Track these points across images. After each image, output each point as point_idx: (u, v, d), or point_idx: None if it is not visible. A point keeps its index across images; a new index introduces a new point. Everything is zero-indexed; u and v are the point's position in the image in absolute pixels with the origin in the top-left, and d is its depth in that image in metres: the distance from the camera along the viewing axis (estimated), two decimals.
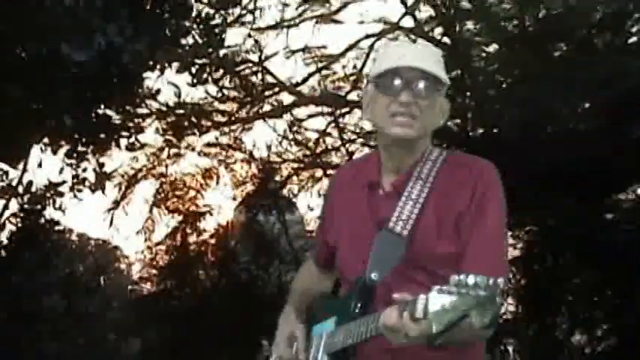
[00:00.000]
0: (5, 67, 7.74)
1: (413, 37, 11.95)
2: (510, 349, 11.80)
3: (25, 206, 11.82)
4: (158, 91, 10.64)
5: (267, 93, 13.95)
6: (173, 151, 14.24)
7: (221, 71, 12.82)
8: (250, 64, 13.35)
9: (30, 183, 11.59)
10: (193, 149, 14.48)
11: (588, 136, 9.50)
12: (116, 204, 14.16)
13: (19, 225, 11.91)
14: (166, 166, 14.67)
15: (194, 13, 9.18)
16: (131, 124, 10.35)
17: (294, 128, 14.47)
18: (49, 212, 11.86)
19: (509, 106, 9.71)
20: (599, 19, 9.88)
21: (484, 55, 10.75)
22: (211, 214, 15.32)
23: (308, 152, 14.66)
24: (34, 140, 9.91)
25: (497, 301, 2.42)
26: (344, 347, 3.23)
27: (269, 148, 14.57)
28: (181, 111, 13.10)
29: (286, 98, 14.13)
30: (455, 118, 10.25)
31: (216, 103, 13.71)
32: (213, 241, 15.32)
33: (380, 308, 2.97)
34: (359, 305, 3.23)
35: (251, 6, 11.18)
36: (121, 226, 15.00)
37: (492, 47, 11.11)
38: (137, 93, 9.24)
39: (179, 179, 15.01)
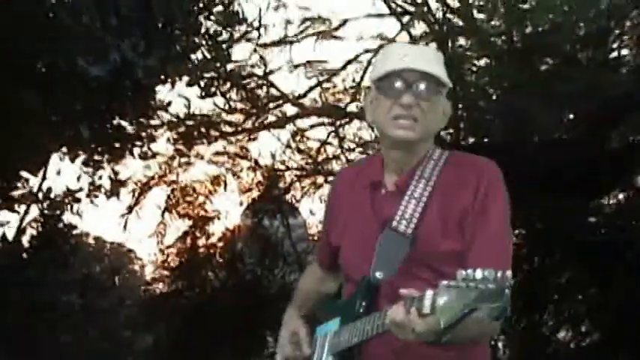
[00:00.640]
0: (26, 80, 7.77)
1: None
2: (500, 344, 11.79)
3: (45, 211, 11.82)
4: (169, 103, 10.66)
5: (271, 105, 13.96)
6: (183, 159, 14.26)
7: (228, 84, 12.81)
8: (255, 78, 13.35)
9: (49, 190, 11.61)
10: (202, 158, 14.51)
11: (572, 144, 9.53)
12: (130, 209, 14.17)
13: (39, 229, 11.91)
14: (177, 173, 14.68)
15: (203, 31, 9.19)
16: (144, 134, 10.36)
17: (297, 138, 14.48)
18: (67, 217, 11.86)
19: (499, 116, 9.73)
20: (582, 35, 9.89)
21: (475, 68, 10.75)
22: (219, 219, 15.34)
23: (310, 160, 14.66)
24: (53, 149, 9.93)
25: (507, 294, 2.34)
26: (349, 346, 3.11)
27: (273, 156, 14.59)
28: (191, 122, 13.12)
29: (289, 110, 14.14)
30: (448, 128, 10.26)
31: (223, 115, 13.72)
32: (221, 244, 15.32)
33: (385, 307, 2.89)
34: (363, 304, 3.12)
35: (256, 23, 11.14)
36: (135, 230, 15.02)
37: (483, 61, 11.12)
38: (149, 105, 9.25)
39: (189, 186, 15.01)
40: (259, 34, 11.89)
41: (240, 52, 12.47)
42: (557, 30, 9.68)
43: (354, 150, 13.90)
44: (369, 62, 13.04)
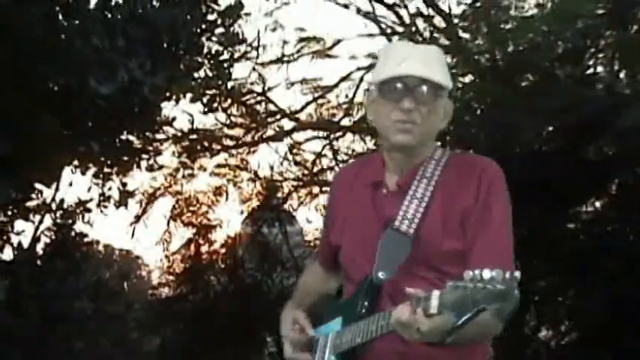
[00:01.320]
0: (40, 98, 7.78)
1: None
2: None
3: (58, 221, 11.82)
4: (174, 119, 10.66)
5: (269, 120, 14.00)
6: (187, 171, 14.27)
7: (229, 101, 12.86)
8: (255, 95, 13.40)
9: (62, 200, 11.60)
10: (205, 170, 14.54)
11: (551, 156, 9.55)
12: (137, 218, 14.17)
13: (52, 237, 11.91)
14: (181, 184, 14.69)
15: (205, 51, 9.20)
16: (150, 148, 10.39)
17: (294, 150, 14.50)
18: (79, 226, 11.85)
19: (483, 129, 9.74)
20: (560, 53, 9.91)
21: (460, 85, 10.74)
22: (221, 227, 15.35)
23: (306, 172, 14.68)
24: (66, 163, 9.92)
25: (515, 294, 2.22)
26: (352, 347, 2.97)
27: (272, 168, 14.61)
28: (194, 136, 13.14)
29: (286, 124, 14.19)
30: (435, 141, 10.25)
31: (225, 129, 13.76)
32: (222, 250, 15.33)
33: (387, 307, 2.79)
34: (366, 304, 2.98)
35: (255, 44, 11.20)
36: (142, 237, 15.04)
37: (467, 78, 11.12)
38: (155, 120, 9.25)
39: (193, 196, 15.02)
40: (258, 54, 11.97)
41: (241, 70, 12.53)
42: (536, 49, 9.69)
43: (347, 162, 13.90)
44: (361, 79, 13.09)
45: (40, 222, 11.84)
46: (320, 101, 13.98)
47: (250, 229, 15.14)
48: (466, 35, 11.13)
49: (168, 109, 9.95)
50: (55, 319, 11.61)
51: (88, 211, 11.48)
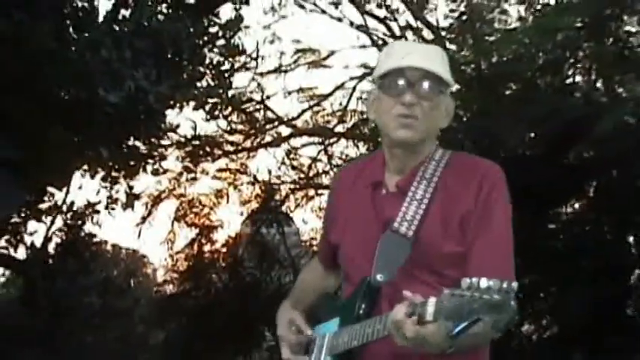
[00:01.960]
0: (51, 107, 7.79)
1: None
2: None
3: (68, 222, 11.87)
4: (178, 126, 10.68)
5: (268, 126, 14.01)
6: (190, 175, 14.26)
7: (230, 109, 12.85)
8: (254, 103, 13.40)
9: (72, 203, 11.68)
10: (207, 173, 14.53)
11: (533, 160, 9.56)
12: (143, 219, 14.17)
13: (63, 238, 11.94)
14: (185, 187, 14.69)
15: (207, 61, 9.21)
16: (155, 153, 10.39)
17: (291, 155, 14.49)
18: (88, 227, 11.92)
19: (469, 135, 9.74)
20: (541, 64, 9.93)
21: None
22: (222, 228, 15.33)
23: (302, 175, 14.68)
24: (76, 167, 9.94)
25: (512, 306, 2.05)
26: (348, 349, 2.78)
27: (270, 172, 14.61)
28: (197, 142, 13.13)
29: (284, 130, 14.20)
30: None
31: (225, 135, 13.75)
32: (224, 250, 15.31)
33: (385, 309, 2.63)
34: (363, 306, 2.78)
35: (254, 55, 11.19)
36: (148, 237, 15.05)
37: (454, 87, 11.14)
38: (160, 127, 9.24)
39: (195, 199, 15.01)
40: (257, 64, 11.95)
41: (241, 80, 12.56)
42: (519, 60, 9.70)
43: (341, 166, 13.92)
44: (354, 88, 13.12)
45: (52, 223, 11.89)
46: (315, 109, 14.00)
47: (250, 230, 15.13)
48: (453, 47, 11.14)
49: (172, 116, 9.99)
50: (66, 314, 11.63)
51: (97, 212, 11.52)
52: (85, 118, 7.85)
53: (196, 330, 13.93)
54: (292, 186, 14.86)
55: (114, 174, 10.18)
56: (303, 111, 13.88)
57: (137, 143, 9.38)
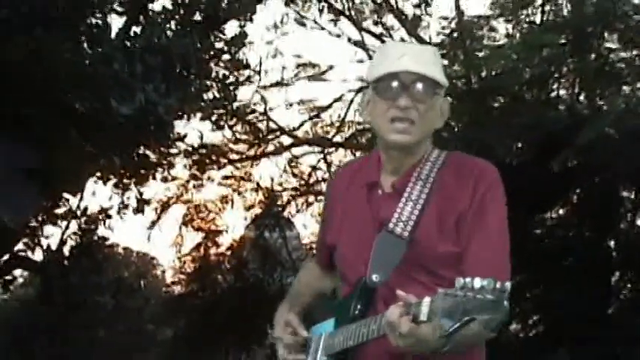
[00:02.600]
0: (67, 118, 7.81)
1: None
2: None
3: (82, 226, 11.87)
4: (185, 135, 10.70)
5: (270, 136, 14.00)
6: (197, 182, 14.26)
7: (234, 119, 12.85)
8: (257, 114, 13.40)
9: (86, 208, 11.68)
10: (213, 180, 14.52)
11: (520, 168, 9.56)
12: (153, 224, 14.15)
13: (78, 240, 11.94)
14: (192, 194, 14.69)
15: (213, 75, 9.23)
16: (164, 162, 10.41)
17: (292, 164, 14.50)
18: (101, 230, 11.92)
19: (460, 145, 9.75)
20: (527, 78, 9.94)
21: None
22: (227, 232, 15.33)
23: (303, 182, 14.68)
24: (90, 174, 9.96)
25: (505, 306, 1.97)
26: (344, 349, 2.66)
27: (272, 179, 14.61)
28: (204, 151, 13.13)
29: (285, 140, 14.19)
30: None
31: (230, 145, 13.75)
32: (228, 252, 15.31)
33: (381, 309, 2.50)
34: (359, 306, 2.66)
35: (258, 69, 11.21)
36: (157, 241, 15.06)
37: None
38: (169, 137, 9.26)
39: (202, 204, 15.01)
40: (260, 78, 11.96)
41: (245, 92, 12.52)
42: (507, 74, 9.71)
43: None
44: (352, 100, 13.12)
45: (67, 227, 11.90)
46: (315, 120, 13.98)
47: (253, 234, 15.12)
48: (445, 62, 11.14)
49: (180, 126, 9.98)
50: (80, 312, 11.63)
51: (109, 217, 11.54)
52: (99, 128, 7.88)
53: (202, 328, 13.94)
54: (293, 192, 14.86)
55: (125, 181, 10.21)
56: (304, 122, 13.87)
57: (147, 152, 9.42)
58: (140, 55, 7.70)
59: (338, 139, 13.80)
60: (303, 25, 13.05)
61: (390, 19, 12.77)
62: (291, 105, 13.51)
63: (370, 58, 12.74)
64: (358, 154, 12.92)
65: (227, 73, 9.51)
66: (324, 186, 14.22)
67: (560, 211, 11.15)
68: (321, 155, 14.18)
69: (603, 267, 10.19)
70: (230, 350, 14.83)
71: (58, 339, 11.56)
